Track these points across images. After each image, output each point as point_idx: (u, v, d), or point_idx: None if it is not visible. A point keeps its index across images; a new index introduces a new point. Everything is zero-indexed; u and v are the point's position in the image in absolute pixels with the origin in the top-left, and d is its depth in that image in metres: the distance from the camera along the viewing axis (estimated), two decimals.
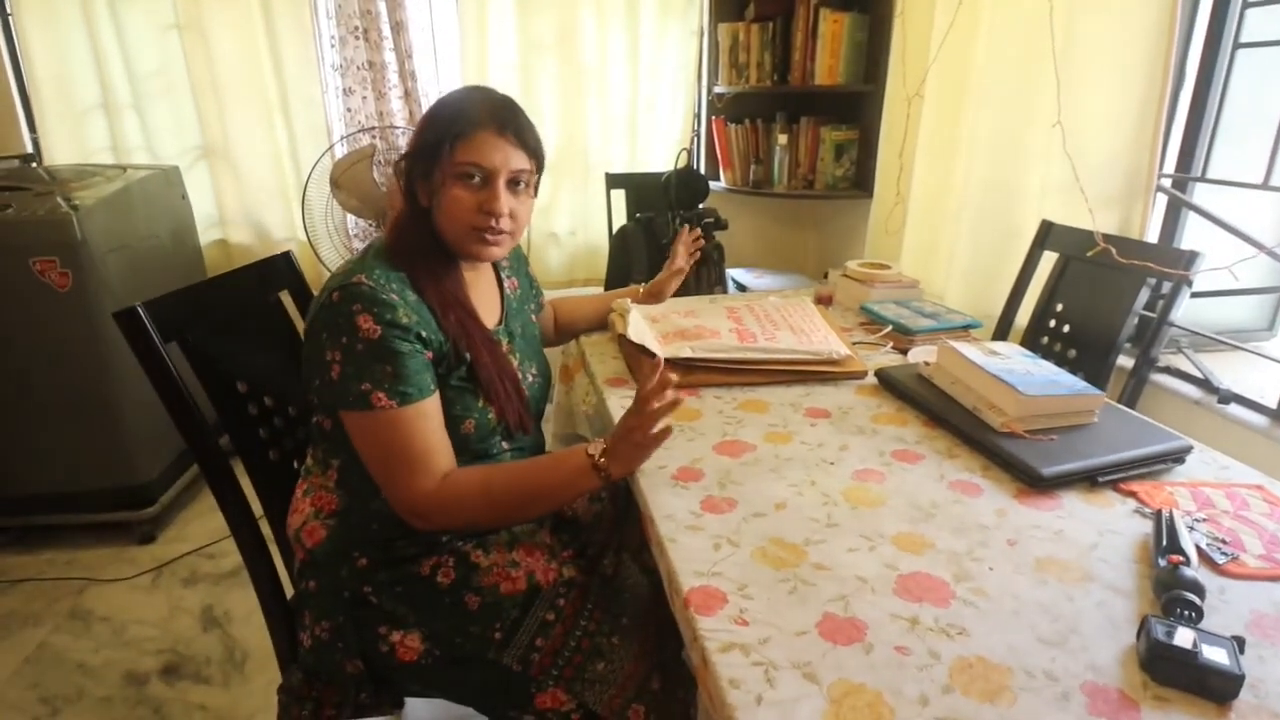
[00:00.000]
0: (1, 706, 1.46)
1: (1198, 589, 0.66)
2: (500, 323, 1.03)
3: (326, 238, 2.27)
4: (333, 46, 2.37)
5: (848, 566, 0.73)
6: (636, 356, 1.21)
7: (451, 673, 0.90)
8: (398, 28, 2.35)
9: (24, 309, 1.74)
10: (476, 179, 0.89)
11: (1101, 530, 0.80)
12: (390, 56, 2.37)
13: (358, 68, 2.38)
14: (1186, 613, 0.64)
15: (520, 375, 1.01)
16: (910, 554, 0.75)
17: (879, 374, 1.18)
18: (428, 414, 0.86)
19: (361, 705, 0.94)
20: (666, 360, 1.15)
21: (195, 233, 2.34)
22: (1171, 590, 0.66)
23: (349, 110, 2.42)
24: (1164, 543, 0.73)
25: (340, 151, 2.24)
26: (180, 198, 2.24)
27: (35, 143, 2.32)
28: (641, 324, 1.27)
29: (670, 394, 0.84)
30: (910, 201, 1.99)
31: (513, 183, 0.91)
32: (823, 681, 0.59)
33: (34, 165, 1.98)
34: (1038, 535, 0.79)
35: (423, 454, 0.86)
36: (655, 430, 0.85)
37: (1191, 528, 0.79)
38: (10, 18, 2.21)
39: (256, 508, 1.00)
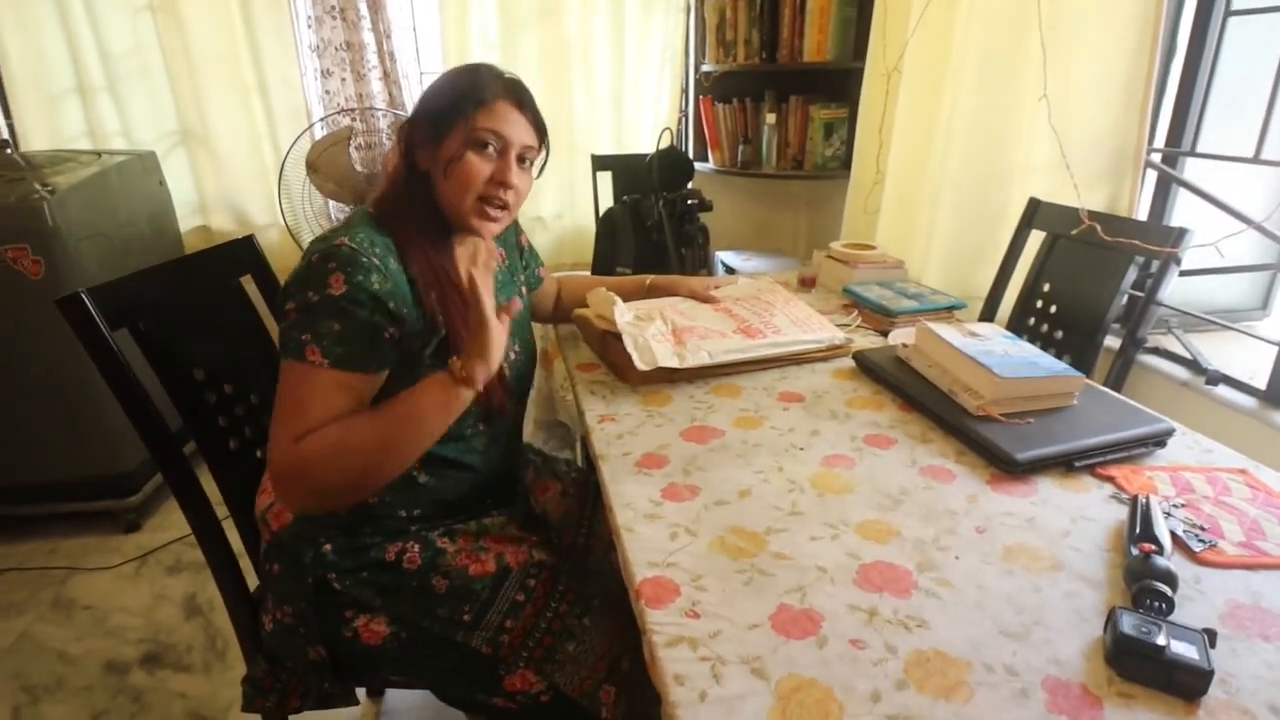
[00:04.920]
0: None
1: (1170, 579, 0.63)
2: None
3: (306, 222, 2.24)
4: (310, 27, 2.32)
5: (808, 556, 0.70)
6: (608, 344, 1.16)
7: (419, 656, 0.88)
8: (375, 6, 2.29)
9: None
10: (491, 148, 0.89)
11: (1075, 517, 0.77)
12: (369, 36, 2.32)
13: (335, 48, 2.33)
14: (1157, 604, 0.61)
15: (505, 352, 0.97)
16: (874, 543, 0.72)
17: (856, 357, 1.15)
18: (351, 387, 0.79)
19: (325, 694, 0.93)
20: (682, 370, 1.09)
21: (174, 219, 2.30)
22: (1142, 580, 0.63)
23: (327, 93, 2.38)
24: (1138, 530, 0.70)
25: (319, 134, 2.19)
26: (158, 184, 2.20)
27: (10, 128, 2.28)
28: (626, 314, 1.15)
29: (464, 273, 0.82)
30: (888, 180, 1.94)
31: (520, 159, 0.92)
32: (771, 677, 0.56)
33: (8, 151, 1.94)
34: (1008, 522, 0.76)
35: (308, 416, 0.77)
36: (483, 311, 0.80)
37: (1169, 514, 0.76)
38: None
39: (217, 498, 0.98)
